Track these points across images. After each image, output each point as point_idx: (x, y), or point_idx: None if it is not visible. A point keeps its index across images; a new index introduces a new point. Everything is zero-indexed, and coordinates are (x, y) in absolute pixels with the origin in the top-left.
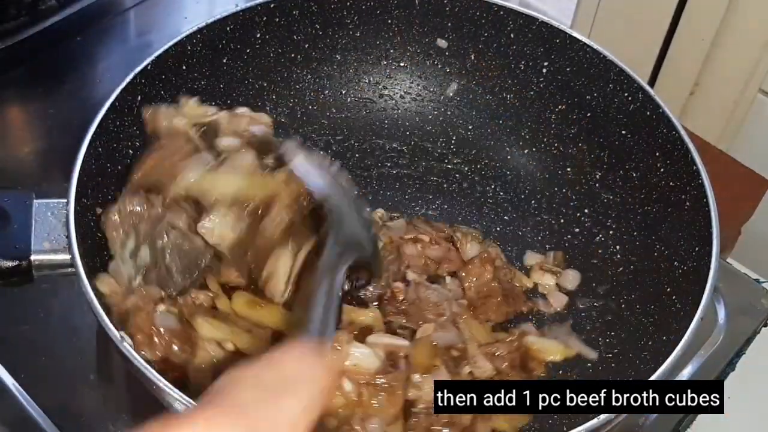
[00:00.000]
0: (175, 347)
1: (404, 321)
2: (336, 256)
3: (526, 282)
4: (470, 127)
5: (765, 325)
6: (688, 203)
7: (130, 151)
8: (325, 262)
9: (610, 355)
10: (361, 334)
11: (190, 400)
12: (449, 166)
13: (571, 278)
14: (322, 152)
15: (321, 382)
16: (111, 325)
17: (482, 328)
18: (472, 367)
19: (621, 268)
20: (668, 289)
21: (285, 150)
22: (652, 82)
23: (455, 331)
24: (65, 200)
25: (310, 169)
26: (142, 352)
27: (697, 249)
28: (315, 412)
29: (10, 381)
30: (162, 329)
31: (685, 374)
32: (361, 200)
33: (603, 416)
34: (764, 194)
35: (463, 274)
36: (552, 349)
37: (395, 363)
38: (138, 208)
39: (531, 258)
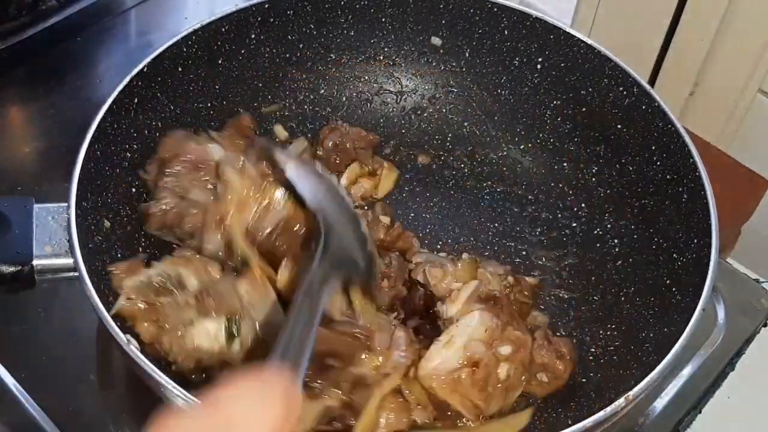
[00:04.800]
0: None
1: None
2: (322, 274)
3: None
4: (465, 124)
5: (765, 325)
6: (685, 195)
7: (128, 154)
8: (308, 279)
9: (612, 348)
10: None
11: (195, 399)
12: (445, 164)
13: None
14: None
15: (277, 424)
16: (117, 328)
17: None
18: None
19: (620, 262)
20: (668, 282)
21: (281, 155)
22: (652, 82)
23: None
24: (65, 204)
25: (303, 176)
26: None
27: (696, 241)
28: None
29: (10, 381)
30: None
31: (684, 374)
32: (359, 214)
33: (601, 413)
34: (764, 194)
35: None
36: None
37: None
38: None
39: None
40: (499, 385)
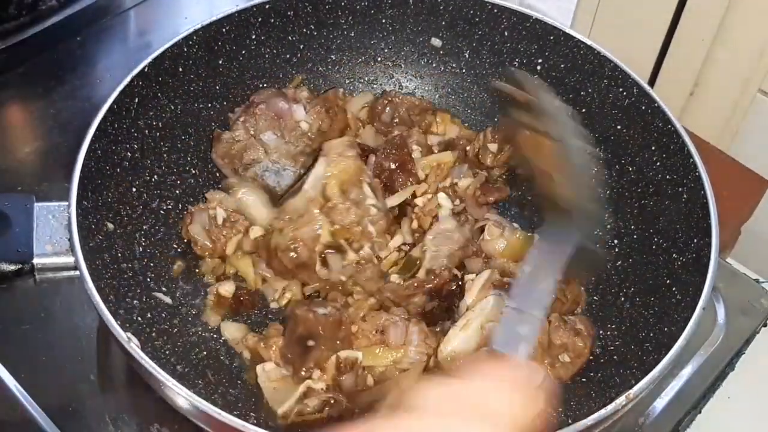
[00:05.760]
0: None
1: None
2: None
3: None
4: (465, 125)
5: (765, 325)
6: (685, 195)
7: (129, 153)
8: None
9: (612, 348)
10: None
11: (195, 397)
12: None
13: None
14: None
15: (523, 422)
16: (118, 326)
17: None
18: None
19: (620, 262)
20: (668, 282)
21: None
22: (652, 82)
23: None
24: (66, 203)
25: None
26: None
27: (695, 240)
28: None
29: (10, 381)
30: None
31: (685, 374)
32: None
33: (601, 412)
34: (764, 194)
35: None
36: None
37: None
38: None
39: None
40: None
